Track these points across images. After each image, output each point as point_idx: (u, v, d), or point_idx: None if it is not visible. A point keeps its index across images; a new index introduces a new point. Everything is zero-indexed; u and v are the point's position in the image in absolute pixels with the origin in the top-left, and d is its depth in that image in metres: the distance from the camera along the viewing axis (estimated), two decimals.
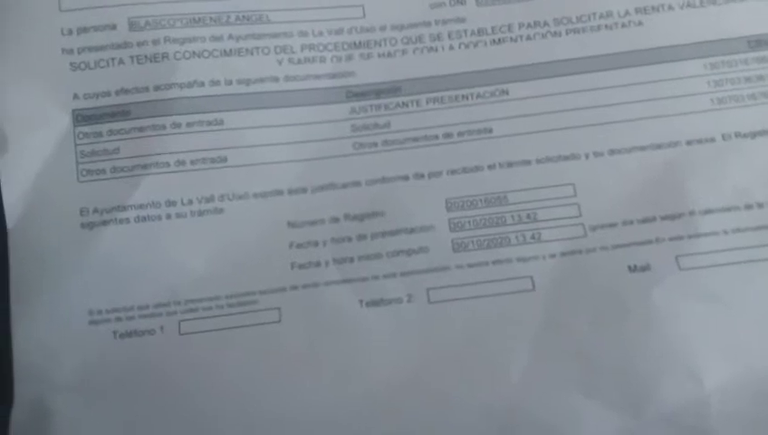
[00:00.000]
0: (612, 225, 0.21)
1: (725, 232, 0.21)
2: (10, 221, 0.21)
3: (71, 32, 0.22)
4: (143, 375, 0.20)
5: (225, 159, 0.22)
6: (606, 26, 0.23)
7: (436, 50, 0.23)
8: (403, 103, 0.23)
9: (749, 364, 0.20)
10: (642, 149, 0.22)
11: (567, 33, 0.23)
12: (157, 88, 0.22)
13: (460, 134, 0.22)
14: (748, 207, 0.21)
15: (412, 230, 0.22)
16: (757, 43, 0.23)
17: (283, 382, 0.20)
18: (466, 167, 0.22)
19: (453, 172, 0.22)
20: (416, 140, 0.22)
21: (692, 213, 0.21)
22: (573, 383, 0.20)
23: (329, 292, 0.21)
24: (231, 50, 0.23)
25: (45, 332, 0.21)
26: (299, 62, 0.23)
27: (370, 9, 0.23)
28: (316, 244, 0.22)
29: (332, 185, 0.22)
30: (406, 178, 0.22)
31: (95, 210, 0.21)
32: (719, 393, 0.20)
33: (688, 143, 0.22)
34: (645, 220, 0.21)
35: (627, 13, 0.23)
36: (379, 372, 0.20)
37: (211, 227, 0.22)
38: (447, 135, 0.22)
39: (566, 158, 0.22)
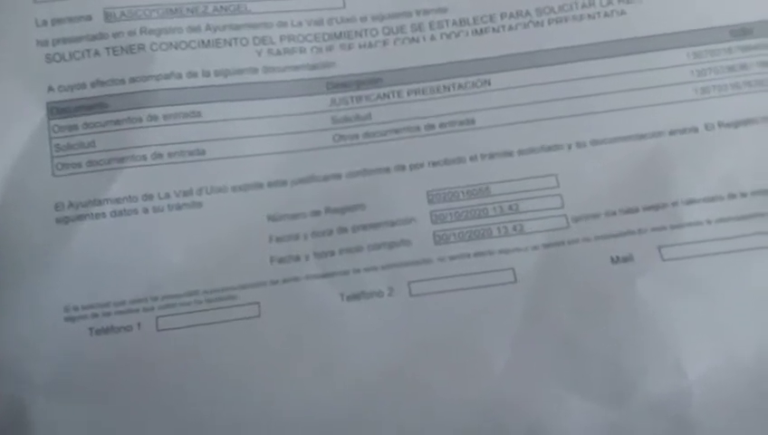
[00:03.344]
0: (595, 216, 0.21)
1: (709, 222, 0.21)
2: None
3: (45, 23, 0.22)
4: (120, 372, 0.20)
5: (203, 152, 0.22)
6: (588, 16, 0.23)
7: (418, 40, 0.23)
8: (384, 95, 0.22)
9: (732, 354, 0.20)
10: (625, 139, 0.22)
11: (549, 23, 0.23)
12: (133, 80, 0.22)
13: (442, 125, 0.22)
14: (731, 196, 0.21)
15: (393, 223, 0.21)
16: (741, 31, 0.23)
17: (263, 378, 0.20)
18: (448, 158, 0.22)
19: (435, 164, 0.22)
20: (397, 131, 0.22)
21: (675, 203, 0.21)
22: (557, 375, 0.20)
23: (309, 286, 0.21)
24: (209, 41, 0.22)
25: (20, 328, 0.20)
26: (278, 53, 0.23)
27: None
28: (296, 237, 0.21)
29: (313, 177, 0.22)
30: (387, 170, 0.22)
31: (70, 205, 0.21)
32: (703, 383, 0.20)
33: (671, 133, 0.22)
34: (628, 211, 0.21)
35: (609, 2, 0.23)
36: (360, 367, 0.20)
37: (189, 220, 0.21)
38: (429, 126, 0.22)
39: (549, 148, 0.22)
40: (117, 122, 0.22)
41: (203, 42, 0.22)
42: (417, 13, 0.23)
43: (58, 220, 0.21)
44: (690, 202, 0.21)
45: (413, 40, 0.23)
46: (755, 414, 0.20)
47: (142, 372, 0.20)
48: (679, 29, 0.23)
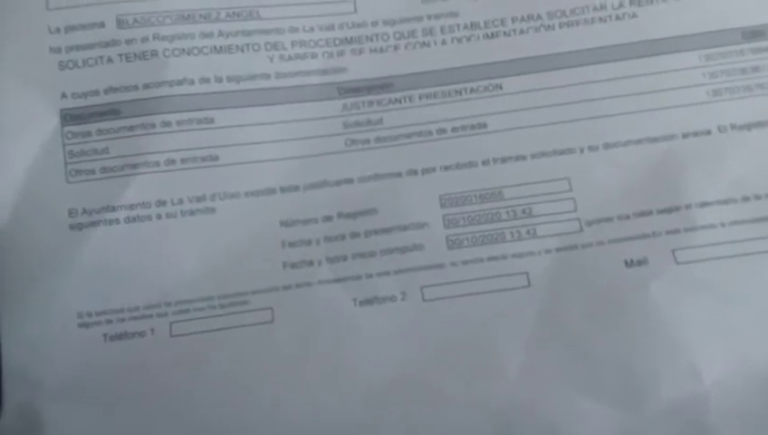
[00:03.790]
0: (608, 219, 0.21)
1: (722, 225, 0.21)
2: None
3: (58, 30, 0.22)
4: (133, 378, 0.20)
5: (216, 158, 0.22)
6: (600, 19, 0.23)
7: (429, 45, 0.23)
8: (395, 99, 0.22)
9: (747, 357, 0.20)
10: (638, 142, 0.22)
11: (560, 27, 0.23)
12: (146, 86, 0.22)
13: (454, 130, 0.22)
14: (745, 199, 0.21)
15: (406, 227, 0.21)
16: (751, 33, 0.23)
17: (276, 383, 0.20)
18: (460, 162, 0.22)
19: (447, 168, 0.22)
20: (409, 136, 0.22)
21: (688, 206, 0.21)
22: (571, 380, 0.20)
23: (322, 291, 0.21)
24: (221, 47, 0.22)
25: (34, 335, 0.20)
26: (290, 58, 0.23)
27: (362, 4, 0.23)
28: (309, 243, 0.21)
29: (325, 183, 0.22)
30: (399, 174, 0.22)
31: (84, 211, 0.21)
32: (718, 387, 0.20)
33: (684, 136, 0.22)
34: (641, 214, 0.21)
35: (621, 5, 0.23)
36: (373, 372, 0.20)
37: (202, 226, 0.21)
38: (441, 131, 0.22)
39: (561, 152, 0.22)
40: (130, 129, 0.22)
41: (215, 48, 0.22)
42: (429, 17, 0.23)
43: (71, 226, 0.21)
44: (703, 205, 0.21)
45: (424, 44, 0.23)
46: None
47: (154, 377, 0.20)
48: (691, 32, 0.23)
